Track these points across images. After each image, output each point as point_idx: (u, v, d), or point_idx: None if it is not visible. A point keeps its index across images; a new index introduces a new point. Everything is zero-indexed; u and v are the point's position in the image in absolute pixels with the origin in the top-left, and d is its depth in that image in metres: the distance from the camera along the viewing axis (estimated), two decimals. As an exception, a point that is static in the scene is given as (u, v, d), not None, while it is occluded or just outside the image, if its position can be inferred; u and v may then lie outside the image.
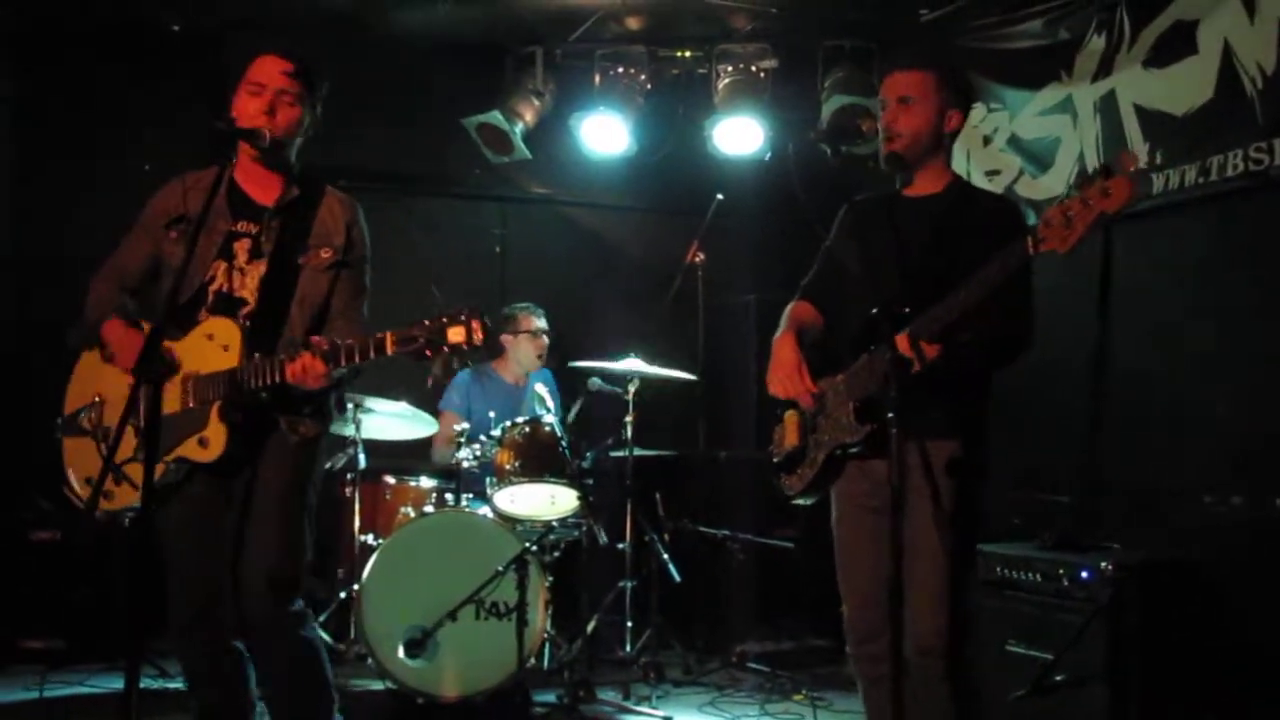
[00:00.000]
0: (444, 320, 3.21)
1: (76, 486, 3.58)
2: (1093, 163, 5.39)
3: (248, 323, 3.45)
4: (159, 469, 3.32)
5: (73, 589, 5.78)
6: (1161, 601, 4.17)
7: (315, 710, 3.59)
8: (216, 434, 3.37)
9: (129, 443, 3.38)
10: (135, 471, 3.30)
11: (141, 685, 2.87)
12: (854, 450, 3.40)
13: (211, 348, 3.41)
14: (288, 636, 3.49)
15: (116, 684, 5.25)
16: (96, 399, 3.56)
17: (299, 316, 3.55)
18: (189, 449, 3.39)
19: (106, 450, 3.32)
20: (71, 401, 3.64)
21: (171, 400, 3.40)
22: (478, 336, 3.21)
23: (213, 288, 3.50)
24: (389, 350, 3.25)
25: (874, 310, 3.18)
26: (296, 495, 3.55)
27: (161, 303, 3.43)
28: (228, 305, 3.49)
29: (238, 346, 3.38)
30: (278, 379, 3.32)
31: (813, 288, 3.74)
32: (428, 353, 3.22)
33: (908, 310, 3.16)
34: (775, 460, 3.68)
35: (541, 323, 6.43)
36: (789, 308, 3.70)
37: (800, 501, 3.63)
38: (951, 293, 3.09)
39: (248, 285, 3.51)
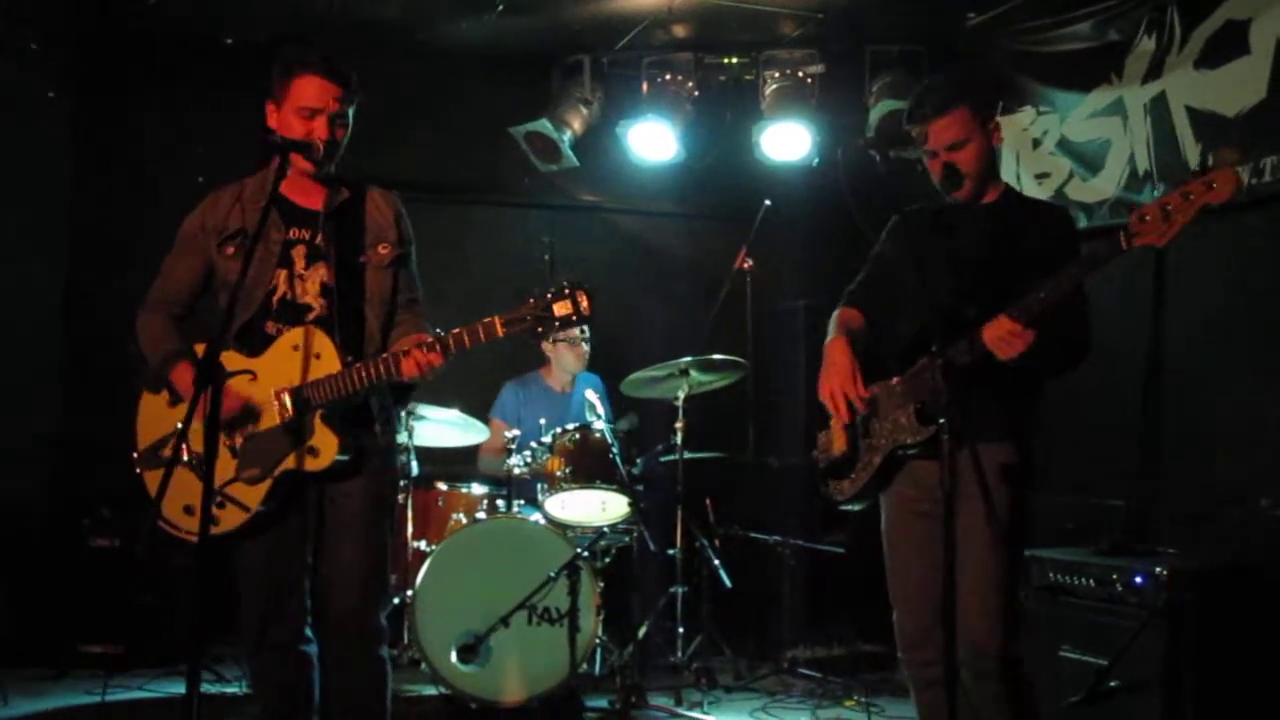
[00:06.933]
0: (549, 296, 3.23)
1: (173, 518, 3.47)
2: (1144, 165, 5.36)
3: (323, 327, 3.44)
4: (265, 486, 3.38)
5: (132, 595, 5.86)
6: (1217, 608, 4.12)
7: None
8: (326, 441, 3.38)
9: (226, 464, 3.37)
10: (239, 492, 3.36)
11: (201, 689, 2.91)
12: (912, 452, 3.41)
13: (299, 358, 3.41)
14: (367, 650, 3.50)
15: (175, 688, 5.36)
16: (180, 427, 3.40)
17: (372, 315, 3.56)
18: (296, 460, 3.39)
19: (201, 476, 3.18)
20: (145, 434, 3.58)
21: (267, 417, 3.42)
22: (584, 307, 3.22)
23: (276, 296, 3.50)
24: (499, 333, 3.26)
25: (930, 318, 3.18)
26: (386, 503, 3.59)
27: (220, 317, 3.35)
28: (293, 312, 3.49)
29: (333, 352, 3.39)
30: (394, 374, 3.32)
31: (860, 294, 3.73)
32: (539, 329, 3.25)
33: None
34: (821, 466, 3.68)
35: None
36: (836, 314, 3.70)
37: (850, 507, 3.63)
38: (1047, 280, 3.08)
39: (310, 290, 3.51)
